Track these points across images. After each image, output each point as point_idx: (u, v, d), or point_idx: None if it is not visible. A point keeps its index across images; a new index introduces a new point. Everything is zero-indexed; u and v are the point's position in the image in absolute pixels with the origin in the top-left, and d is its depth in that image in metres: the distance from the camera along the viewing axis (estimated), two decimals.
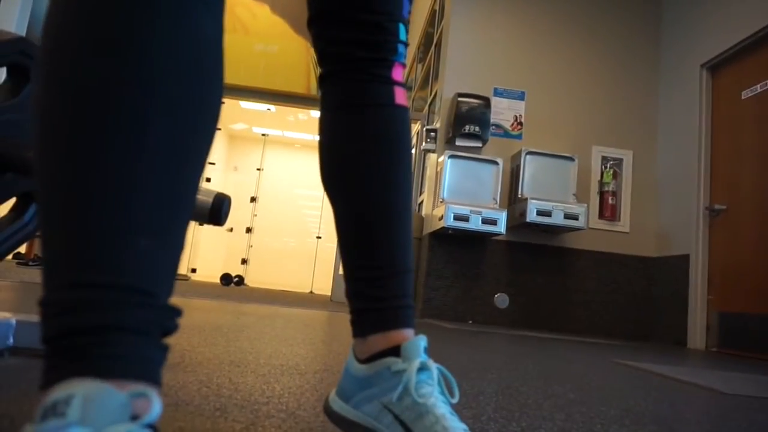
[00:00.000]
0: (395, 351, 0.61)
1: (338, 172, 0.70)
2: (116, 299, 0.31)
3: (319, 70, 0.71)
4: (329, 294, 6.56)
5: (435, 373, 0.60)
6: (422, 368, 0.59)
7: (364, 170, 0.68)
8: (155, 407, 0.30)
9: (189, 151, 0.39)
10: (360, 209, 0.68)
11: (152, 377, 0.32)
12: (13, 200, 1.00)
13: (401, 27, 0.68)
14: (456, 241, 4.45)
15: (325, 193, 0.73)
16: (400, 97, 0.69)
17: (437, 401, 0.57)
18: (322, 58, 0.70)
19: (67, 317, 0.31)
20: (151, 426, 0.30)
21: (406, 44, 0.70)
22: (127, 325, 0.31)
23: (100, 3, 0.36)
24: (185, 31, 0.38)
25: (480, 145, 4.48)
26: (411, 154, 0.72)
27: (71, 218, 0.33)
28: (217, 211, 0.84)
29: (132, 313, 0.32)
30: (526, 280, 4.51)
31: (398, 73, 0.69)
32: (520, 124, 4.71)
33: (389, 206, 0.68)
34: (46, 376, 0.32)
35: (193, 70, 0.39)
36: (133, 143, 0.35)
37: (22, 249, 7.33)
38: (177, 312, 0.36)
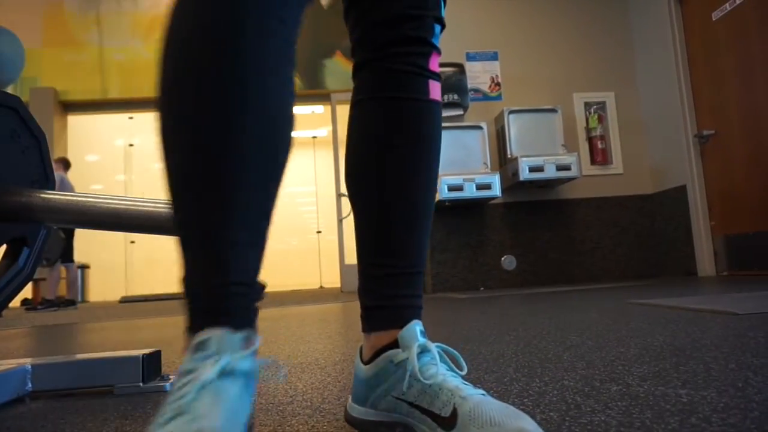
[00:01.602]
0: (396, 344, 0.63)
1: (367, 168, 0.70)
2: (230, 289, 0.50)
3: (354, 60, 0.72)
4: (339, 286, 6.59)
5: (436, 352, 0.61)
6: (422, 351, 0.61)
7: (395, 168, 0.69)
8: (256, 341, 0.50)
9: (277, 187, 0.54)
10: (385, 206, 0.68)
11: (252, 326, 0.51)
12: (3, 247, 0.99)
13: (442, 10, 0.71)
14: (454, 212, 4.46)
15: (346, 187, 0.73)
16: (435, 91, 0.70)
17: (446, 376, 0.58)
18: (358, 46, 0.70)
19: (205, 300, 0.50)
20: (255, 352, 0.49)
21: (443, 26, 0.72)
22: (237, 301, 0.50)
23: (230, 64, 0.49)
24: (286, 88, 0.53)
25: (461, 112, 4.46)
26: (440, 153, 0.75)
27: (208, 240, 0.51)
28: None
29: (238, 293, 0.50)
30: (530, 238, 4.53)
31: (435, 63, 0.70)
32: (498, 84, 4.68)
33: (416, 206, 0.69)
34: (191, 327, 0.50)
35: (282, 118, 0.53)
36: (238, 201, 0.51)
37: (29, 294, 7.33)
38: (263, 286, 0.54)
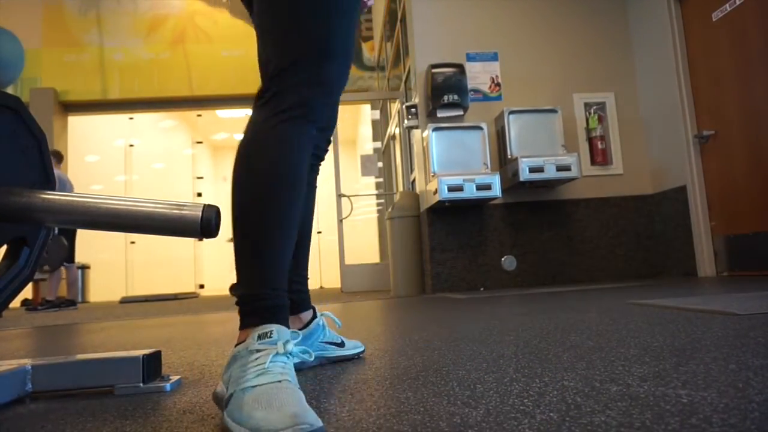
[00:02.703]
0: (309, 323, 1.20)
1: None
2: (275, 294, 0.82)
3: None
4: (339, 286, 6.58)
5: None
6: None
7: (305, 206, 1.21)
8: (297, 336, 0.82)
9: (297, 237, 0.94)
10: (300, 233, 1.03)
11: (286, 323, 0.83)
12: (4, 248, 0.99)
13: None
14: (454, 212, 4.46)
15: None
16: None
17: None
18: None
19: (257, 301, 0.81)
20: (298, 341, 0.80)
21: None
22: (280, 302, 0.83)
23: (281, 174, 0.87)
24: (307, 187, 1.02)
25: (461, 113, 4.46)
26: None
27: (258, 259, 0.85)
28: (208, 224, 0.84)
29: (280, 297, 0.83)
30: (530, 238, 4.53)
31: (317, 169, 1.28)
32: (498, 85, 4.68)
33: (308, 232, 1.23)
34: (246, 323, 0.81)
35: (306, 198, 1.08)
36: (285, 240, 0.88)
37: (29, 295, 7.33)
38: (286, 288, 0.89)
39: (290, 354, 0.76)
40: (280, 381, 0.70)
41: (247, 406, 0.67)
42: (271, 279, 0.83)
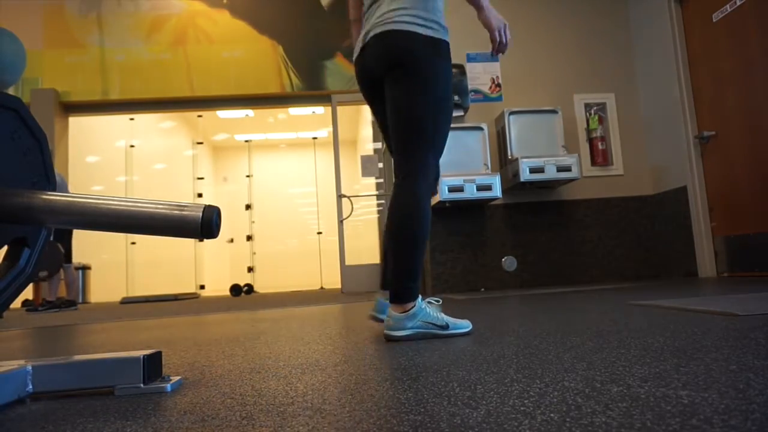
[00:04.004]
0: None
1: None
2: (417, 288, 1.57)
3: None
4: (339, 287, 6.58)
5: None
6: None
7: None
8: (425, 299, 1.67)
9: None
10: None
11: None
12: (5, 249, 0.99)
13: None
14: (455, 213, 4.46)
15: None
16: None
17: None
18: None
19: (416, 290, 1.57)
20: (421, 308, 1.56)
21: None
22: (417, 291, 1.58)
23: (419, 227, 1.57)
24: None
25: (462, 113, 4.46)
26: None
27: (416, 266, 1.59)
28: (208, 224, 0.84)
29: (418, 289, 1.58)
30: (531, 239, 4.53)
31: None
32: (498, 85, 4.68)
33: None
34: (405, 299, 1.54)
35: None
36: (422, 249, 1.57)
37: (29, 295, 7.33)
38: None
39: (427, 304, 1.58)
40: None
41: (441, 314, 1.56)
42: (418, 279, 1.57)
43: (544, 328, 1.59)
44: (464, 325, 1.56)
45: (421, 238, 1.52)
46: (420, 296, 1.55)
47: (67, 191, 5.53)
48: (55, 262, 5.36)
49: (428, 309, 1.54)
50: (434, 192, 1.64)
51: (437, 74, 1.55)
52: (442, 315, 1.56)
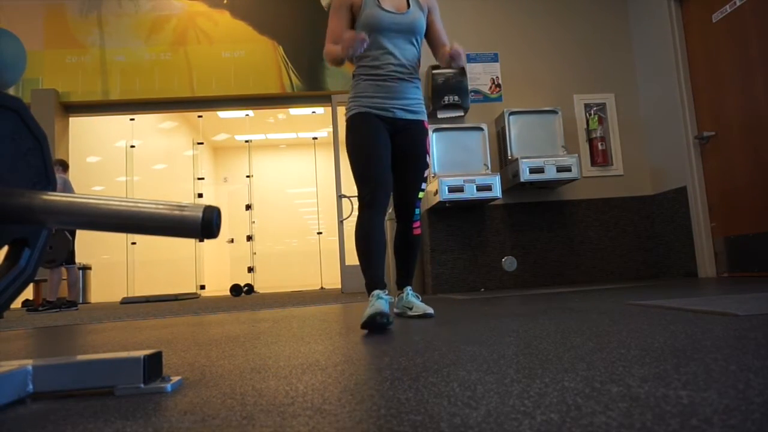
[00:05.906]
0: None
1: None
2: (378, 283, 2.12)
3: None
4: (340, 287, 6.58)
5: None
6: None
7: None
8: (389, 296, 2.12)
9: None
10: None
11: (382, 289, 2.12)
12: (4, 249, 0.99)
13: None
14: (455, 213, 4.46)
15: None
16: (417, 229, 2.40)
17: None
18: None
19: (372, 285, 2.13)
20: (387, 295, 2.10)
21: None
22: (379, 284, 2.12)
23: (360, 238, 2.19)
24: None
25: (462, 114, 4.46)
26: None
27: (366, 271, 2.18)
28: (209, 224, 0.84)
29: (380, 282, 2.13)
30: (530, 239, 4.53)
31: (417, 225, 2.39)
32: (498, 86, 4.68)
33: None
34: (368, 291, 2.13)
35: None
36: (374, 258, 2.17)
37: (30, 296, 7.33)
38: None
39: (384, 297, 2.02)
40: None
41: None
42: (375, 277, 2.13)
43: (544, 329, 1.59)
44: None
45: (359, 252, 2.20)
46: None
47: (72, 192, 5.54)
48: (63, 249, 5.37)
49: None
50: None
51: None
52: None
